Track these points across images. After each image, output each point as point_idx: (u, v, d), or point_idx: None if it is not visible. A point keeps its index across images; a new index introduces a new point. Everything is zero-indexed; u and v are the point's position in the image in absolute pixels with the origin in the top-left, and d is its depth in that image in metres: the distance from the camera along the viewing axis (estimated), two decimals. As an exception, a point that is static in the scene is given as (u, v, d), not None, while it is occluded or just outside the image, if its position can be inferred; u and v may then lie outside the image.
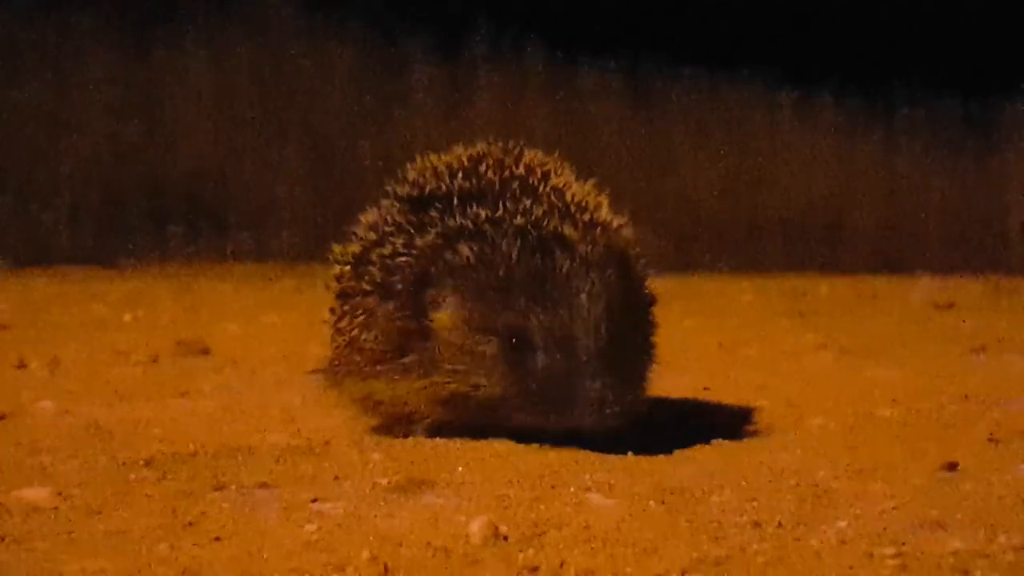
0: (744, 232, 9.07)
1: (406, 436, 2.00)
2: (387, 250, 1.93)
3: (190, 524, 1.46)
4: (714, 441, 1.99)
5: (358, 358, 1.95)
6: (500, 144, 2.08)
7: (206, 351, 3.32)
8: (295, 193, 7.78)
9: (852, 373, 3.07)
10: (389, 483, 1.66)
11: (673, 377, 2.63)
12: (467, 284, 1.84)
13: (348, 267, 2.01)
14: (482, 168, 1.98)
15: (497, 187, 1.93)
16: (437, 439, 1.97)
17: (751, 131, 9.40)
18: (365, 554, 1.29)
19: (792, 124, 9.52)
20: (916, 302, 5.78)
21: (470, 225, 1.87)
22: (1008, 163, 9.93)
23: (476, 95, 8.28)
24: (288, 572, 1.26)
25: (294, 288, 5.58)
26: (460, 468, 1.76)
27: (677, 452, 1.90)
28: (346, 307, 1.99)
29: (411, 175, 2.05)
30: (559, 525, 1.43)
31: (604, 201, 2.03)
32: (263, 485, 1.66)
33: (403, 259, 1.90)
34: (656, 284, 2.08)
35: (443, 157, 2.06)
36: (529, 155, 2.06)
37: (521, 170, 1.98)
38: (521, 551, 1.33)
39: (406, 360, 1.89)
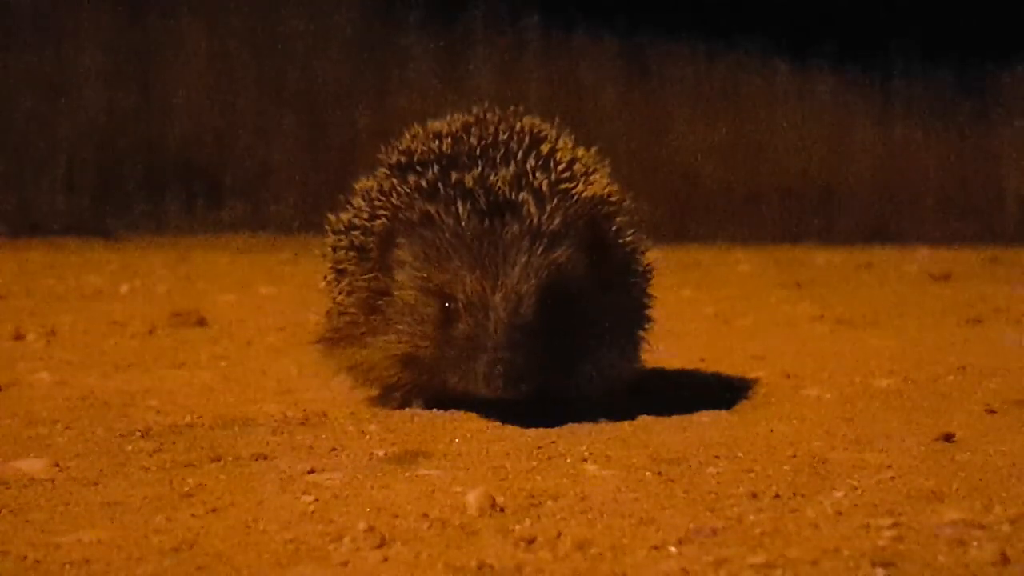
0: (740, 202, 9.05)
1: (403, 407, 2.00)
2: (367, 217, 1.94)
3: (187, 495, 1.46)
4: (711, 412, 1.99)
5: (344, 323, 1.96)
6: (497, 110, 2.07)
7: (202, 322, 3.31)
8: (291, 162, 7.75)
9: (849, 344, 3.08)
10: (386, 454, 1.66)
11: (669, 348, 2.64)
12: (418, 243, 1.84)
13: (341, 236, 2.01)
14: (468, 133, 1.97)
15: (478, 152, 1.92)
16: (434, 411, 1.97)
17: (748, 100, 9.35)
18: (362, 525, 1.30)
19: (788, 93, 9.47)
20: (912, 273, 5.78)
21: (429, 186, 1.87)
22: (1005, 132, 9.90)
23: (473, 64, 8.22)
24: (285, 543, 1.26)
25: (290, 259, 5.57)
26: (456, 440, 1.77)
27: (674, 423, 1.90)
28: (336, 275, 2.00)
29: (403, 143, 2.04)
30: (555, 496, 1.43)
31: (599, 170, 2.01)
32: (260, 456, 1.66)
33: (380, 222, 1.91)
34: (652, 254, 2.07)
35: (437, 123, 2.05)
36: (526, 121, 2.04)
37: (505, 135, 1.96)
38: (518, 522, 1.33)
39: (373, 321, 1.89)
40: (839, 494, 1.44)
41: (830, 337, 3.29)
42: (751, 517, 1.34)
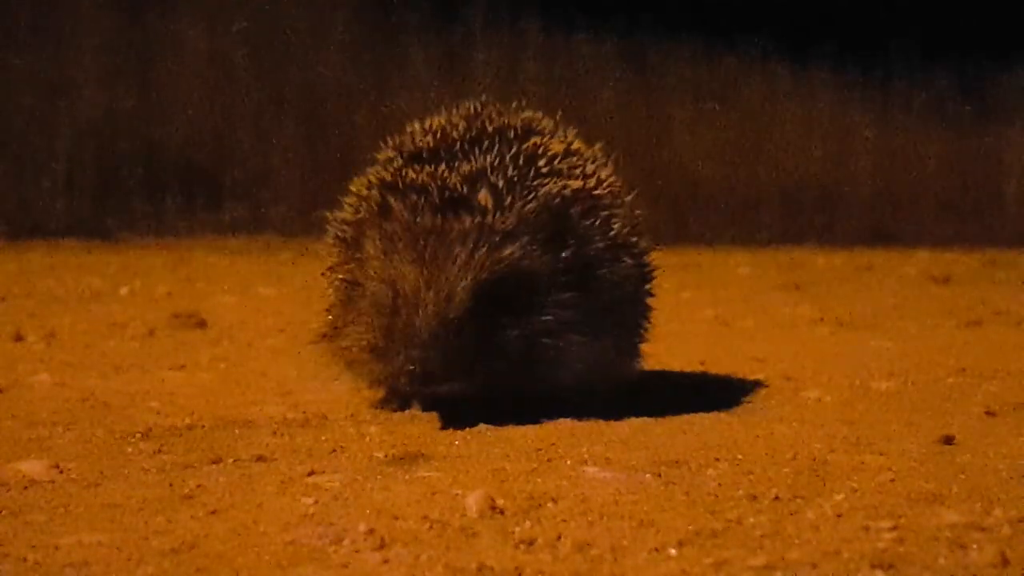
0: (740, 204, 9.05)
1: (402, 409, 2.00)
2: (351, 209, 1.96)
3: (187, 497, 1.46)
4: (710, 414, 1.99)
5: (333, 316, 1.97)
6: (498, 104, 2.06)
7: (202, 323, 3.31)
8: (291, 164, 7.75)
9: (848, 346, 3.08)
10: (386, 456, 1.66)
11: (669, 349, 2.64)
12: (379, 236, 1.85)
13: (335, 231, 2.02)
14: (456, 128, 1.97)
15: (458, 146, 1.91)
16: (434, 412, 1.97)
17: (748, 102, 9.36)
18: (362, 527, 1.29)
19: (788, 95, 9.48)
20: (912, 275, 5.78)
21: (390, 179, 1.88)
22: (1005, 134, 9.90)
23: (472, 65, 8.22)
24: (285, 545, 1.26)
25: (290, 260, 5.57)
26: (456, 441, 1.76)
27: (674, 425, 1.90)
28: (329, 269, 2.01)
29: (398, 138, 2.05)
30: (556, 498, 1.43)
31: (596, 165, 1.99)
32: (260, 458, 1.66)
33: (358, 214, 1.93)
34: (652, 256, 2.07)
35: (435, 118, 2.06)
36: (524, 115, 2.04)
37: (492, 129, 1.95)
38: (518, 524, 1.33)
39: (349, 312, 1.90)
40: (839, 496, 1.44)
41: (830, 339, 3.29)
42: (751, 519, 1.34)
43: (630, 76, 8.83)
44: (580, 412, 1.92)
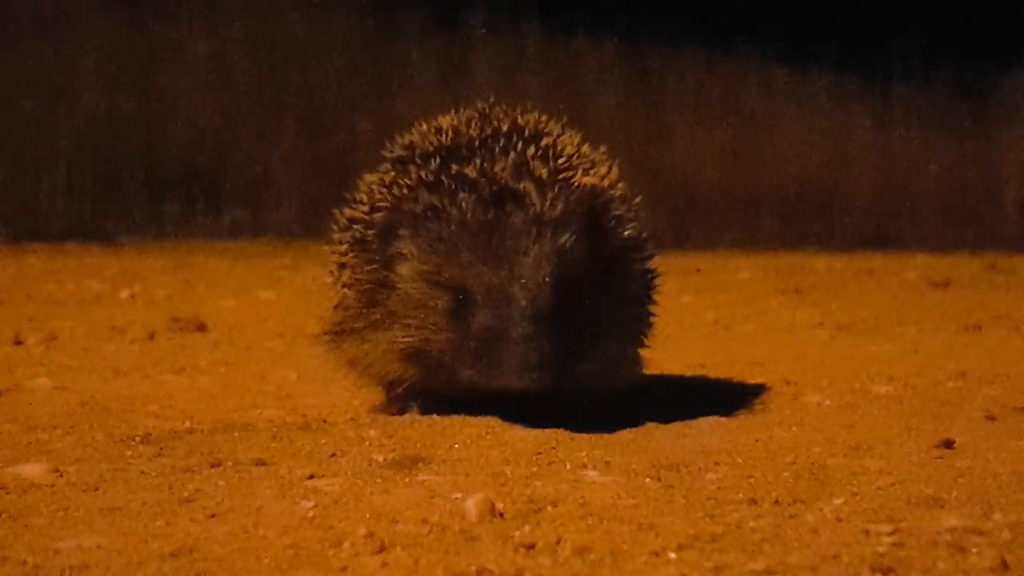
0: (740, 208, 9.06)
1: (402, 413, 2.00)
2: (366, 210, 1.93)
3: (187, 500, 1.45)
4: (710, 418, 1.99)
5: (345, 317, 1.94)
6: (501, 104, 2.06)
7: (202, 327, 3.31)
8: (291, 167, 7.75)
9: (848, 350, 3.08)
10: (385, 460, 1.66)
11: (670, 353, 2.64)
12: (423, 235, 1.83)
13: (344, 231, 2.00)
14: (468, 127, 1.97)
15: (477, 143, 1.91)
16: (433, 416, 1.97)
17: (747, 106, 9.36)
18: (362, 530, 1.29)
19: (788, 99, 9.48)
20: (912, 279, 5.78)
21: (431, 177, 1.86)
22: (1004, 138, 9.90)
23: (472, 68, 8.23)
24: (285, 548, 1.26)
25: (290, 264, 5.57)
26: (456, 445, 1.76)
27: (673, 429, 1.90)
28: (339, 269, 1.99)
29: (405, 138, 2.04)
30: (555, 502, 1.43)
31: (602, 164, 1.99)
32: (259, 462, 1.66)
33: (378, 214, 1.90)
34: (653, 260, 2.07)
35: (440, 118, 2.05)
36: (529, 116, 2.04)
37: (506, 128, 1.95)
38: (517, 528, 1.33)
39: (375, 314, 1.87)
40: (839, 500, 1.44)
41: (830, 343, 3.29)
42: (751, 523, 1.34)
43: (630, 81, 8.84)
44: (579, 416, 1.92)
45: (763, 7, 8.84)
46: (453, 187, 1.83)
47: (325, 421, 1.97)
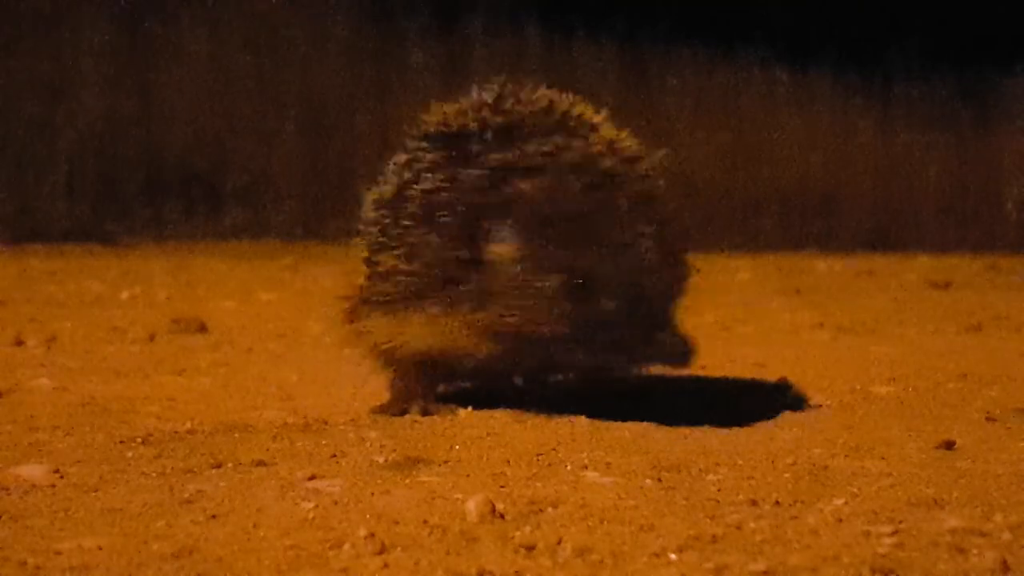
0: (740, 209, 9.06)
1: (403, 413, 2.00)
2: (428, 185, 1.89)
3: (187, 501, 1.45)
4: (711, 419, 1.99)
5: (393, 290, 1.91)
6: (517, 84, 2.05)
7: (203, 328, 3.31)
8: (292, 169, 7.76)
9: (849, 351, 3.08)
10: (386, 461, 1.66)
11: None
12: (526, 218, 1.81)
13: (382, 210, 1.97)
14: (507, 105, 1.96)
15: (536, 122, 1.90)
16: (434, 417, 1.97)
17: (748, 107, 9.37)
18: (362, 531, 1.29)
19: (788, 100, 9.49)
20: (913, 280, 5.78)
21: (524, 159, 1.84)
22: (1005, 139, 9.90)
23: (472, 70, 8.24)
24: (285, 549, 1.26)
25: (291, 266, 5.57)
26: (457, 446, 1.76)
27: (674, 430, 1.90)
28: (381, 245, 1.95)
29: (433, 117, 2.02)
30: (556, 503, 1.43)
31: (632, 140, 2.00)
32: (260, 463, 1.66)
33: (447, 194, 1.86)
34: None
35: (469, 98, 2.03)
36: (547, 93, 2.02)
37: (547, 106, 1.95)
38: (518, 529, 1.33)
39: (461, 289, 1.85)
40: (839, 501, 1.44)
41: (831, 344, 3.29)
42: (751, 524, 1.34)
43: (630, 82, 8.85)
44: (583, 415, 1.92)
45: (763, 8, 8.84)
46: (552, 168, 1.82)
47: (326, 422, 1.97)
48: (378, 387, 2.20)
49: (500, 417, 1.97)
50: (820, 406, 2.17)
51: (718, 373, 2.62)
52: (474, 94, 2.03)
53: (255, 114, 7.77)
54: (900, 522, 1.35)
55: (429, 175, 1.91)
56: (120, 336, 3.18)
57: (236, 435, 1.86)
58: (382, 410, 2.04)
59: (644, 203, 1.83)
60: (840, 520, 1.36)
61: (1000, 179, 9.95)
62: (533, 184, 1.81)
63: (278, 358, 2.85)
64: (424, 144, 1.97)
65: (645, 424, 1.92)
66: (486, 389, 2.16)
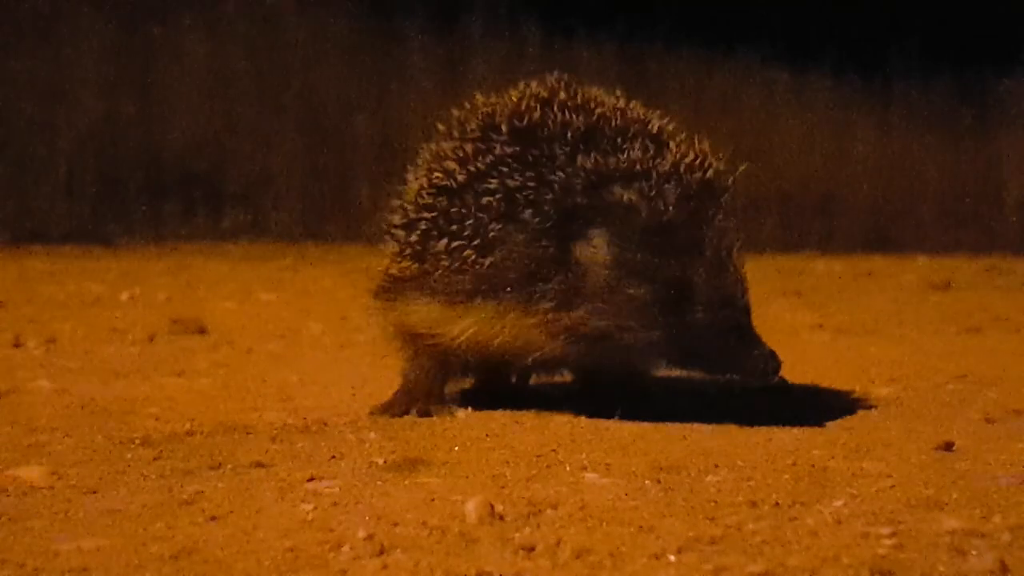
0: (740, 210, 9.05)
1: (403, 415, 2.00)
2: (513, 182, 1.87)
3: (186, 503, 1.45)
4: (710, 420, 1.99)
5: (459, 281, 1.89)
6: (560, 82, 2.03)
7: (202, 330, 3.31)
8: (291, 169, 7.75)
9: (849, 352, 3.08)
10: (385, 462, 1.66)
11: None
12: (623, 226, 1.83)
13: (443, 198, 1.93)
14: (577, 102, 1.96)
15: (607, 127, 1.91)
16: (433, 418, 1.97)
17: (747, 108, 9.37)
18: (361, 533, 1.29)
19: (788, 102, 9.49)
20: (912, 281, 5.78)
21: (622, 166, 1.85)
22: (1004, 140, 9.90)
23: (471, 71, 8.24)
24: (284, 551, 1.26)
25: (290, 266, 5.57)
26: (456, 447, 1.76)
27: (673, 431, 1.90)
28: (442, 232, 1.92)
29: (495, 107, 1.99)
30: (555, 504, 1.43)
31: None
32: (259, 464, 1.66)
33: (534, 193, 1.85)
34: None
35: (514, 92, 2.02)
36: (593, 92, 2.03)
37: (610, 108, 1.97)
38: (517, 530, 1.33)
39: (546, 288, 1.84)
40: (839, 502, 1.44)
41: (830, 345, 3.29)
42: (750, 525, 1.34)
43: (629, 83, 8.84)
44: (583, 416, 1.92)
45: (762, 9, 8.85)
46: (650, 177, 1.84)
47: (325, 423, 1.97)
48: (377, 388, 2.20)
49: (499, 418, 1.97)
50: (819, 407, 2.17)
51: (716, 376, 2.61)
52: (526, 86, 2.02)
53: (254, 115, 7.76)
54: (899, 523, 1.35)
55: (508, 170, 1.89)
56: (120, 337, 3.18)
57: (235, 436, 1.86)
58: (385, 409, 2.03)
59: (729, 215, 1.87)
60: (839, 521, 1.36)
61: (999, 180, 9.95)
62: (631, 191, 1.83)
63: (277, 359, 2.85)
64: (495, 136, 1.94)
65: (645, 425, 1.92)
66: (486, 390, 2.16)
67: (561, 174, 1.86)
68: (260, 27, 7.82)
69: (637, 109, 2.00)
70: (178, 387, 2.39)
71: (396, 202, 2.04)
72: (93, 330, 3.29)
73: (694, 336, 1.83)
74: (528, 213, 1.86)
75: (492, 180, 1.90)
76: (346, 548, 1.26)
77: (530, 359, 1.91)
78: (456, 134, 2.01)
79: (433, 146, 2.04)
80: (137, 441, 1.82)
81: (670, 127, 1.98)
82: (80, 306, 3.97)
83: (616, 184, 1.84)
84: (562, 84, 2.02)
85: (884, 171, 9.79)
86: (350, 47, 8.01)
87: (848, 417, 2.06)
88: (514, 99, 2.01)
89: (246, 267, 5.77)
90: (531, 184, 1.87)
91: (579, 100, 1.97)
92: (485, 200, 1.89)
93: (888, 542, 1.27)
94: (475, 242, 1.89)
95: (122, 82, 7.38)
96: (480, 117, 2.00)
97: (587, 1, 8.50)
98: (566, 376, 2.16)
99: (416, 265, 1.95)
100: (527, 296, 1.86)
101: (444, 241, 1.91)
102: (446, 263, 1.91)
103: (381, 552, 1.25)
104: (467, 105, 2.07)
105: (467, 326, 1.91)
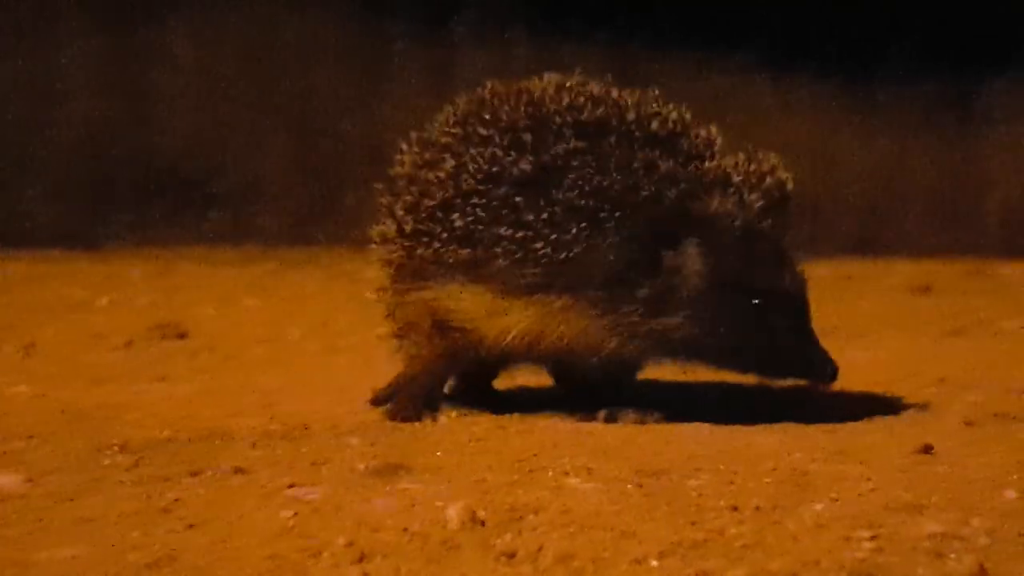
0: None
1: (404, 419, 1.99)
2: (590, 184, 1.84)
3: (164, 510, 1.44)
4: (693, 424, 1.99)
5: (520, 273, 1.85)
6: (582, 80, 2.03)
7: (183, 335, 3.29)
8: (277, 173, 7.73)
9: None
10: (367, 468, 1.65)
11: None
12: (715, 235, 1.86)
13: (492, 185, 1.88)
14: (635, 104, 2.00)
15: (670, 129, 1.94)
16: (415, 424, 1.96)
17: (732, 112, 9.39)
18: (341, 540, 1.29)
19: (772, 106, 9.52)
20: (894, 285, 5.81)
21: (711, 175, 1.88)
22: (987, 144, 9.97)
23: (461, 74, 8.23)
24: (264, 559, 1.25)
25: (274, 271, 5.54)
26: (438, 452, 1.76)
27: (657, 435, 1.90)
28: (501, 219, 1.87)
29: (547, 99, 1.96)
30: (537, 509, 1.43)
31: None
32: (239, 470, 1.65)
33: (615, 195, 1.84)
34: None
35: (553, 83, 2.00)
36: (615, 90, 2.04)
37: (650, 107, 1.99)
38: (499, 536, 1.32)
39: (633, 293, 1.85)
40: (819, 506, 1.44)
41: (812, 349, 3.29)
42: (732, 530, 1.34)
43: (618, 86, 8.86)
44: (567, 420, 1.92)
45: (747, 14, 8.88)
46: (744, 186, 1.87)
47: (307, 429, 1.96)
48: (360, 393, 2.20)
49: (483, 423, 1.97)
50: (801, 410, 2.17)
51: (700, 378, 2.62)
52: (556, 81, 2.01)
53: (241, 118, 7.73)
54: (879, 527, 1.35)
55: (584, 167, 1.86)
56: (100, 342, 3.16)
57: (215, 442, 1.85)
58: (387, 407, 2.02)
59: (792, 223, 1.91)
60: (820, 525, 1.36)
61: (981, 183, 10.02)
62: (726, 202, 1.86)
63: (259, 364, 2.84)
64: (553, 127, 1.91)
65: (627, 429, 1.92)
66: (469, 394, 2.16)
67: (647, 180, 1.86)
68: (249, 30, 7.79)
69: (685, 114, 2.02)
70: (158, 393, 2.37)
71: (430, 176, 1.94)
72: (73, 335, 3.27)
73: (772, 341, 1.90)
74: (615, 217, 1.85)
75: (569, 175, 1.86)
76: (326, 555, 1.25)
77: (592, 360, 1.91)
78: (488, 118, 1.95)
79: (457, 130, 1.97)
80: (115, 448, 1.81)
81: (714, 131, 1.99)
82: (60, 311, 3.94)
83: (710, 194, 1.86)
84: (601, 84, 2.04)
85: (868, 175, 9.83)
86: (339, 50, 7.99)
87: (829, 420, 2.06)
88: (546, 90, 1.98)
89: (229, 271, 5.75)
90: (616, 188, 1.85)
91: (629, 99, 2.00)
92: (563, 196, 1.85)
93: (868, 546, 1.28)
94: (552, 236, 1.85)
95: (109, 85, 7.34)
96: (524, 105, 1.95)
97: (575, 4, 8.52)
98: (548, 380, 2.16)
99: (466, 251, 1.88)
100: (609, 297, 1.86)
101: (507, 230, 1.86)
102: (511, 251, 1.86)
103: (361, 559, 1.24)
104: (486, 91, 2.02)
105: (521, 319, 1.87)
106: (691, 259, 1.86)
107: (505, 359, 2.00)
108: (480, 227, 1.88)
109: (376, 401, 2.11)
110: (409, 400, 2.00)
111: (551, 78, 2.03)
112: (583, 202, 1.85)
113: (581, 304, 1.86)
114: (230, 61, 7.68)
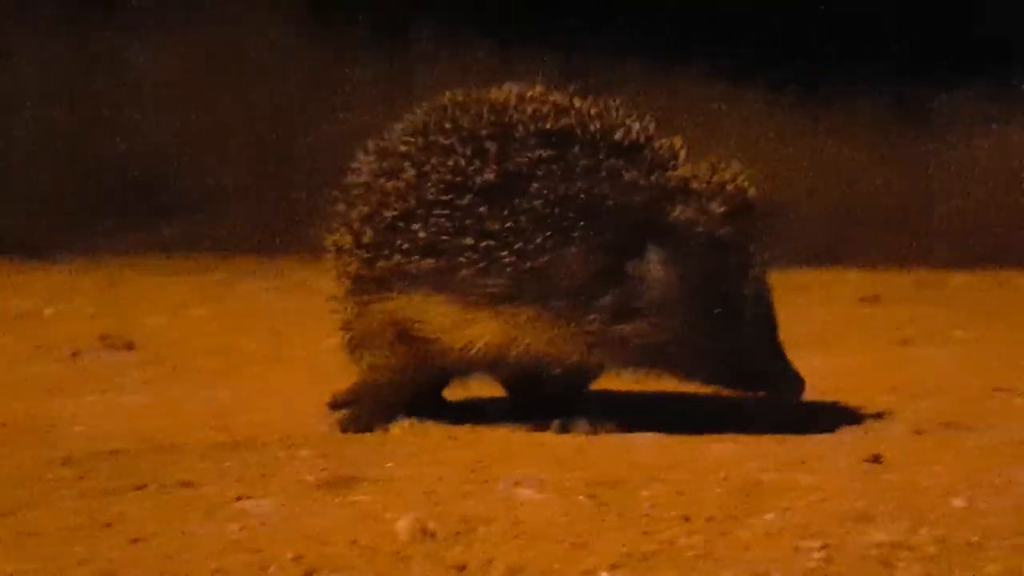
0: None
1: (364, 430, 1.96)
2: (555, 193, 1.84)
3: (108, 525, 1.41)
4: (647, 433, 1.99)
5: (485, 282, 1.83)
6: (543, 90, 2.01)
7: (131, 346, 3.23)
8: (229, 183, 7.65)
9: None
10: (316, 480, 1.63)
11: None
12: (680, 243, 1.85)
13: (456, 194, 1.86)
14: (598, 112, 1.97)
15: (633, 137, 1.93)
16: (366, 435, 1.94)
17: (683, 122, 9.48)
18: (289, 554, 1.27)
19: (724, 116, 9.62)
20: (845, 295, 5.88)
21: (675, 183, 1.87)
22: (935, 154, 10.14)
23: (419, 83, 8.22)
24: (210, 573, 1.23)
25: (224, 280, 5.48)
26: (389, 464, 1.74)
27: (610, 444, 1.90)
28: (465, 229, 1.85)
29: (480, 107, 1.95)
30: (488, 521, 1.42)
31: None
32: (186, 483, 1.62)
33: (580, 204, 1.83)
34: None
35: (509, 91, 1.99)
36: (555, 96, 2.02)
37: (612, 117, 1.97)
38: (449, 548, 1.31)
39: (598, 301, 1.83)
40: (770, 516, 1.45)
41: (765, 358, 3.32)
42: (683, 540, 1.34)
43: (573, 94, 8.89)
44: (520, 430, 1.92)
45: (704, 24, 8.97)
46: (706, 195, 1.87)
47: (256, 441, 1.93)
48: (311, 405, 2.17)
49: (434, 434, 1.96)
50: (753, 419, 2.19)
51: (652, 387, 2.62)
52: (517, 91, 1.99)
53: (196, 128, 7.64)
54: (829, 536, 1.36)
55: (548, 176, 1.85)
56: (44, 354, 3.09)
57: (162, 455, 1.82)
58: (339, 404, 1.99)
59: (760, 233, 1.91)
60: (770, 535, 1.37)
61: (930, 194, 10.19)
62: (689, 209, 1.85)
63: (208, 375, 2.80)
64: (516, 136, 1.89)
65: (580, 439, 1.92)
66: (423, 405, 2.14)
67: (611, 189, 1.85)
68: (206, 40, 7.72)
69: (647, 125, 2.01)
70: (104, 405, 2.33)
71: (389, 185, 1.92)
72: (17, 346, 3.20)
73: (738, 352, 1.89)
74: (580, 226, 1.84)
75: (533, 184, 1.85)
76: (273, 569, 1.23)
77: (554, 371, 1.90)
78: (449, 127, 1.94)
79: (418, 139, 1.95)
80: (59, 461, 1.77)
81: (678, 142, 1.99)
82: (4, 321, 3.86)
83: (674, 202, 1.86)
84: (542, 89, 2.02)
85: (819, 187, 9.96)
86: (294, 59, 7.94)
87: (781, 429, 2.08)
88: (508, 99, 1.97)
89: (179, 281, 5.67)
90: (581, 196, 1.85)
91: (592, 108, 1.98)
92: (528, 204, 1.84)
93: (818, 555, 1.28)
94: (517, 246, 1.84)
95: (63, 94, 7.23)
96: (487, 114, 1.94)
97: (532, 13, 8.55)
98: (499, 390, 2.15)
99: (429, 261, 1.86)
100: (573, 306, 1.84)
101: (472, 240, 1.84)
102: (475, 262, 1.84)
103: (309, 573, 1.23)
104: (447, 100, 2.01)
105: (487, 330, 1.85)
106: (654, 267, 1.86)
107: (469, 370, 1.98)
108: (444, 237, 1.86)
109: (334, 405, 2.08)
110: (367, 409, 1.98)
111: (512, 88, 2.02)
112: (548, 211, 1.85)
113: (548, 314, 1.85)
114: (186, 71, 7.60)
